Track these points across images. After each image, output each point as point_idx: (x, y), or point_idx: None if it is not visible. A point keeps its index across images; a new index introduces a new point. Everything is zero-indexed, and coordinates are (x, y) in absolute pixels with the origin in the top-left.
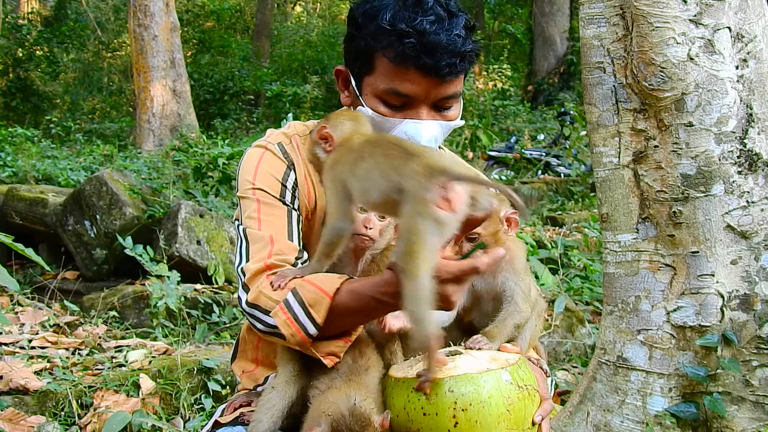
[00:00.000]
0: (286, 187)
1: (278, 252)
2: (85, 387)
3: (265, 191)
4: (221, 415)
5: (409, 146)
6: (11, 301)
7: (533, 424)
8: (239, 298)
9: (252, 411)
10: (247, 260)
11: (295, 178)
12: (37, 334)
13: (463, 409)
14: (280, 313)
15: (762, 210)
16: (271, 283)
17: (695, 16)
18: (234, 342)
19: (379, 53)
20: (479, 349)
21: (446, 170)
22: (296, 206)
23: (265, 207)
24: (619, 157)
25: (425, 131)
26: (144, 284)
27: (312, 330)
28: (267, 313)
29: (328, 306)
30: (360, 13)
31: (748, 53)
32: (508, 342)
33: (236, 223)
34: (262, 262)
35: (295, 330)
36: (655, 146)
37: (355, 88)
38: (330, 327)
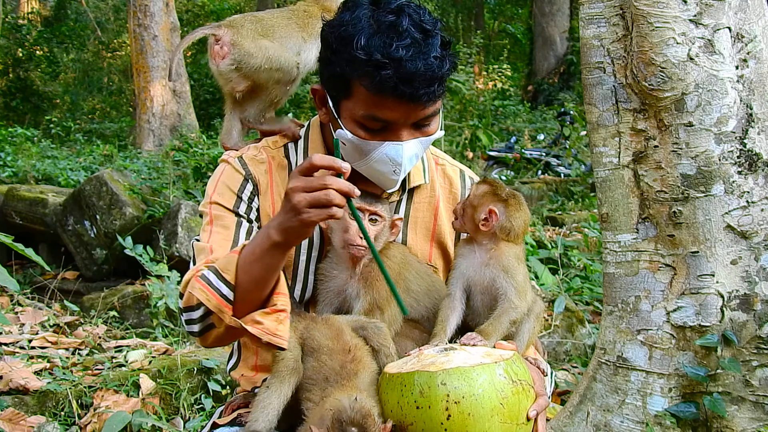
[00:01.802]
0: (241, 198)
1: (213, 260)
2: (85, 387)
3: (219, 204)
4: (219, 417)
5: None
6: (11, 301)
7: (528, 419)
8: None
9: (249, 412)
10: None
11: (252, 189)
12: (37, 334)
13: (455, 402)
14: (196, 284)
15: (762, 210)
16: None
17: (695, 16)
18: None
19: (355, 81)
20: (474, 345)
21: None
22: (253, 216)
23: (217, 220)
24: (619, 157)
25: (407, 151)
26: (144, 284)
27: (226, 291)
28: (193, 308)
29: (236, 261)
30: (334, 37)
31: (748, 53)
32: (505, 340)
33: None
34: (195, 269)
35: (210, 294)
36: (655, 146)
37: (333, 110)
38: (244, 288)
